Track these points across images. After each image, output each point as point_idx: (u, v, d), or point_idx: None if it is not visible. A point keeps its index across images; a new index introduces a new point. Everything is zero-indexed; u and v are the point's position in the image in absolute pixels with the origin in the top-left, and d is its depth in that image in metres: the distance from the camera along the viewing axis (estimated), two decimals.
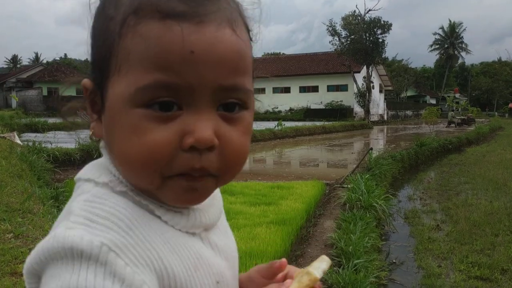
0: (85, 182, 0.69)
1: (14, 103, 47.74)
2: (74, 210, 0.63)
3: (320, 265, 0.72)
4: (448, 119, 42.54)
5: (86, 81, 0.69)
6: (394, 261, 6.07)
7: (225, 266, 0.76)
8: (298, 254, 5.33)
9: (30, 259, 0.61)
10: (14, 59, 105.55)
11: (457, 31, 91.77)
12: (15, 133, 14.99)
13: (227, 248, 0.79)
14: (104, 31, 0.65)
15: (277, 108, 55.52)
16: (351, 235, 5.52)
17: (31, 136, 15.79)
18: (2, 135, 14.51)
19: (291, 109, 54.67)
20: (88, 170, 0.72)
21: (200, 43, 0.61)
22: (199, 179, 0.65)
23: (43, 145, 11.99)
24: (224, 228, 0.83)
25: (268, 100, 56.92)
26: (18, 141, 13.85)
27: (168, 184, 0.65)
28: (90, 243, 0.58)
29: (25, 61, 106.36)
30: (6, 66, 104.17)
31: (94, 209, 0.63)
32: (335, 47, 46.38)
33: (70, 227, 0.60)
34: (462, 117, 42.22)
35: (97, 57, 0.68)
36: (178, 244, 0.67)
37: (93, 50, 0.69)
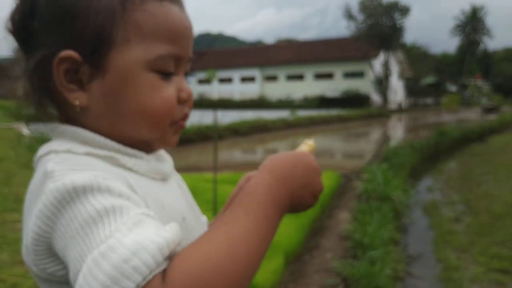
0: (45, 156, 0.77)
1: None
2: (51, 170, 0.71)
3: (308, 141, 0.95)
4: (483, 106, 42.11)
5: (72, 53, 0.76)
6: (411, 253, 6.10)
7: (186, 207, 0.92)
8: (312, 246, 5.38)
9: (33, 230, 0.68)
10: None
11: (478, 15, 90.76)
12: (23, 123, 15.13)
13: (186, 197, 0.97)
14: (97, 8, 0.76)
15: (290, 96, 55.33)
16: (367, 226, 5.56)
17: (38, 126, 15.90)
18: (9, 125, 14.68)
19: (305, 97, 54.47)
20: (43, 149, 0.80)
21: (186, 22, 0.85)
22: (182, 123, 0.88)
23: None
24: (179, 184, 0.98)
25: (280, 88, 56.82)
26: (26, 132, 14.01)
27: (168, 130, 0.85)
28: (87, 178, 0.67)
29: None
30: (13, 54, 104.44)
31: (70, 163, 0.73)
32: (351, 32, 46.10)
33: (58, 178, 0.68)
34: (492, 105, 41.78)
35: (90, 30, 0.76)
36: (146, 186, 0.79)
37: (80, 25, 0.76)
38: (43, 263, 0.70)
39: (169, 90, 0.82)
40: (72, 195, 0.65)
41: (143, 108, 0.80)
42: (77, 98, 0.78)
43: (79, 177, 0.67)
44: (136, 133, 0.82)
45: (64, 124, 0.81)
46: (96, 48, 0.76)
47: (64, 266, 0.68)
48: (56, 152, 0.76)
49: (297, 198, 0.83)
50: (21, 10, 0.79)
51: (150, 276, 0.60)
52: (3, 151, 9.94)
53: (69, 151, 0.76)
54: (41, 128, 0.84)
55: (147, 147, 0.85)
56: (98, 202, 0.65)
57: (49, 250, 0.69)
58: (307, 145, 0.95)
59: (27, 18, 0.78)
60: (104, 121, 0.80)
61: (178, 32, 0.83)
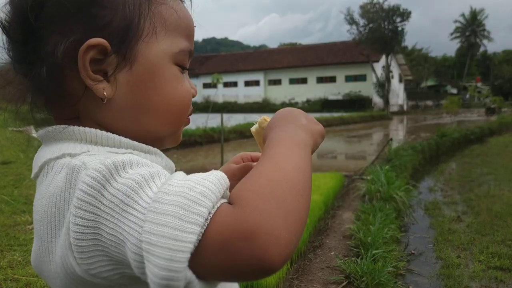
0: (58, 159, 0.72)
1: None
2: (82, 163, 0.67)
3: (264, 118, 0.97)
4: (486, 106, 42.38)
5: (102, 41, 0.72)
6: (413, 251, 6.12)
7: None
8: (317, 245, 5.41)
9: (75, 224, 0.63)
10: None
11: (478, 18, 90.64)
12: (32, 127, 15.22)
13: None
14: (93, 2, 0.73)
15: (293, 99, 55.41)
16: (370, 226, 5.58)
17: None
18: (19, 129, 14.72)
19: (308, 100, 54.49)
20: (50, 152, 0.74)
21: (192, 20, 0.86)
22: (189, 119, 0.89)
23: None
24: None
25: (284, 92, 56.83)
26: (35, 135, 14.07)
27: (182, 125, 0.87)
28: (125, 156, 0.66)
29: None
30: None
31: (100, 156, 0.70)
32: (353, 36, 46.11)
33: (94, 164, 0.65)
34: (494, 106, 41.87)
35: (118, 19, 0.74)
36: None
37: (108, 13, 0.73)
38: (88, 263, 0.64)
39: (187, 84, 0.84)
40: (112, 172, 0.63)
41: (170, 99, 0.80)
42: (105, 89, 0.74)
43: (117, 157, 0.65)
44: (159, 126, 0.80)
45: (70, 124, 0.76)
46: (125, 38, 0.74)
47: (110, 267, 0.64)
48: (72, 155, 0.71)
49: (309, 129, 0.84)
50: None
51: (219, 203, 0.61)
52: (13, 154, 9.99)
53: (85, 153, 0.71)
54: (45, 131, 0.78)
55: (158, 143, 0.82)
56: (142, 169, 0.64)
57: (96, 243, 0.63)
58: (263, 121, 0.96)
59: (37, 5, 0.71)
60: (127, 114, 0.77)
61: (191, 28, 0.84)
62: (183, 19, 0.82)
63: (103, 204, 0.61)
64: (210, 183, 0.61)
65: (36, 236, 0.74)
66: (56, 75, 0.73)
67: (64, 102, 0.77)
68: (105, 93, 0.74)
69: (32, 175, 0.78)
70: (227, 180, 0.65)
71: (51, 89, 0.75)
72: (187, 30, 0.83)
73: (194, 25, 0.86)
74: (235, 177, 0.96)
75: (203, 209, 0.58)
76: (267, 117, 0.95)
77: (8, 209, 6.21)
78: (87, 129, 0.74)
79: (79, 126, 0.75)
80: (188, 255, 0.56)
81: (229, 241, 0.57)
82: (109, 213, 0.61)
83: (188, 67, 0.85)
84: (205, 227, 0.58)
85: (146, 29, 0.76)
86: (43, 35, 0.72)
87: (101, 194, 0.62)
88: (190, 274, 0.57)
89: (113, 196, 0.61)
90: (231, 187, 0.66)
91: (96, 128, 0.75)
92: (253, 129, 1.00)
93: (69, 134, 0.75)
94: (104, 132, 0.74)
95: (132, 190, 0.61)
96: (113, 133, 0.75)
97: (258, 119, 0.98)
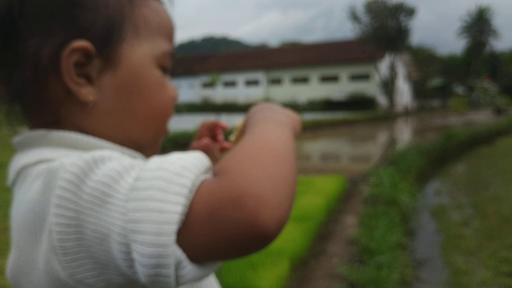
0: (35, 166, 0.70)
1: None
2: (61, 164, 0.64)
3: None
4: (496, 107, 42.51)
5: (86, 44, 0.71)
6: (419, 257, 6.09)
7: None
8: (318, 251, 5.38)
9: (57, 223, 0.60)
10: None
11: (485, 16, 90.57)
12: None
13: None
14: (106, 0, 0.74)
15: (295, 99, 55.38)
16: (374, 231, 5.55)
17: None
18: (13, 130, 14.73)
19: (310, 100, 54.47)
20: (25, 158, 0.72)
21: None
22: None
23: None
24: None
25: (285, 91, 56.82)
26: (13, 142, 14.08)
27: (162, 133, 0.85)
28: (105, 152, 0.64)
29: None
30: None
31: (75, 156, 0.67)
32: (357, 34, 46.08)
33: (74, 159, 0.63)
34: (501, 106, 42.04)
35: (101, 20, 0.73)
36: None
37: (90, 15, 0.72)
38: (73, 265, 0.61)
39: (170, 88, 0.83)
40: (91, 165, 0.61)
41: (153, 104, 0.79)
42: (90, 93, 0.73)
43: (95, 152, 0.64)
44: (141, 133, 0.80)
45: (49, 129, 0.73)
46: (109, 40, 0.74)
47: (96, 271, 0.61)
48: (49, 160, 0.68)
49: (287, 114, 0.84)
50: None
51: (202, 177, 0.60)
52: (7, 157, 9.96)
53: (53, 160, 0.68)
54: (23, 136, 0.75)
55: (138, 153, 0.79)
56: (122, 161, 0.63)
57: (80, 242, 0.60)
58: (240, 125, 0.95)
59: (16, 5, 0.70)
60: (110, 119, 0.76)
61: (172, 29, 0.84)
62: (164, 20, 0.82)
63: (84, 199, 0.59)
64: (190, 158, 0.61)
65: (14, 247, 0.71)
66: (37, 79, 0.71)
67: (44, 106, 0.74)
68: (90, 97, 0.73)
69: (9, 182, 0.75)
70: (207, 158, 0.65)
71: (32, 93, 0.73)
72: (168, 31, 0.83)
73: (173, 26, 0.86)
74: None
75: (186, 180, 0.58)
76: (243, 121, 0.93)
77: (1, 213, 6.17)
78: (67, 134, 0.72)
79: (58, 131, 0.73)
80: (175, 227, 0.55)
81: (217, 209, 0.56)
82: (90, 207, 0.59)
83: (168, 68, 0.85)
84: (190, 199, 0.57)
85: (129, 31, 0.76)
86: (22, 38, 0.71)
87: (81, 189, 0.60)
88: (179, 253, 0.56)
89: (94, 188, 0.59)
90: None
91: (73, 133, 0.73)
92: (232, 137, 0.98)
93: (48, 139, 0.72)
94: (85, 137, 0.72)
95: (113, 179, 0.59)
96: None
97: (233, 133, 0.97)
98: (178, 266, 0.56)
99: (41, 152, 0.71)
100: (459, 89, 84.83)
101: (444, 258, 6.00)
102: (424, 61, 73.53)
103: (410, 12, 44.44)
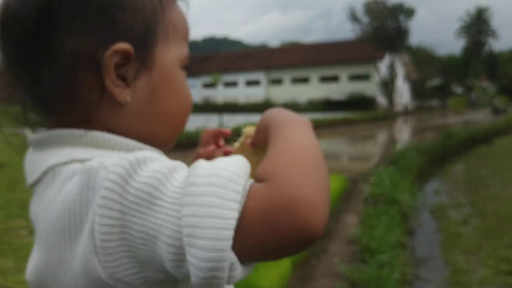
0: (66, 165, 0.69)
1: None
2: (100, 164, 0.64)
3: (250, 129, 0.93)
4: (494, 106, 42.79)
5: (127, 46, 0.72)
6: (419, 256, 6.07)
7: None
8: (319, 251, 5.36)
9: (101, 224, 0.61)
10: None
11: (484, 16, 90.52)
12: (29, 129, 15.25)
13: None
14: (143, 2, 0.74)
15: (295, 99, 55.42)
16: (374, 230, 5.53)
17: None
18: (15, 131, 14.73)
19: (310, 100, 54.48)
20: (56, 157, 0.71)
21: None
22: None
23: None
24: None
25: (285, 91, 56.83)
26: (30, 138, 14.07)
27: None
28: (145, 153, 0.65)
29: None
30: None
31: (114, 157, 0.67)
32: (357, 34, 46.06)
33: (115, 162, 0.64)
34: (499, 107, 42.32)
35: (139, 23, 0.74)
36: None
37: (130, 17, 0.73)
38: (114, 265, 0.62)
39: (190, 89, 0.86)
40: (135, 166, 0.62)
41: (180, 105, 0.82)
42: (127, 95, 0.74)
43: (138, 152, 0.65)
44: (166, 132, 0.82)
45: (75, 128, 0.72)
46: (145, 43, 0.75)
47: (135, 269, 0.63)
48: (82, 161, 0.68)
49: (301, 118, 0.84)
50: None
51: (249, 182, 0.63)
52: (8, 157, 9.95)
53: (88, 160, 0.68)
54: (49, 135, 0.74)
55: (159, 149, 0.78)
56: (164, 162, 0.65)
57: (123, 242, 0.61)
58: (248, 131, 0.94)
59: (55, 3, 0.68)
60: (140, 119, 0.77)
61: (189, 33, 0.86)
62: (185, 24, 0.84)
63: (129, 200, 0.61)
64: (238, 163, 0.63)
65: (41, 247, 0.70)
66: (74, 78, 0.71)
67: (75, 106, 0.73)
68: (128, 99, 0.74)
69: (30, 181, 0.74)
70: (248, 162, 0.66)
71: (66, 93, 0.72)
72: (187, 34, 0.85)
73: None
74: None
75: (238, 186, 0.60)
76: (250, 127, 0.94)
77: (2, 213, 6.17)
78: (104, 134, 0.72)
79: (87, 130, 0.72)
80: (232, 232, 0.58)
81: (270, 214, 0.59)
82: (136, 209, 0.60)
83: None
84: (242, 204, 0.60)
85: (160, 34, 0.77)
86: (60, 37, 0.69)
87: (126, 190, 0.61)
88: (233, 256, 0.58)
89: (139, 190, 0.61)
90: None
91: (106, 133, 0.73)
92: (237, 144, 0.97)
93: (84, 139, 0.72)
94: (117, 137, 0.72)
95: (158, 181, 0.61)
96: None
97: (239, 139, 0.97)
98: (230, 268, 0.58)
99: (72, 151, 0.70)
100: (458, 89, 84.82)
101: (444, 257, 5.99)
102: (423, 61, 73.57)
103: (410, 12, 44.42)
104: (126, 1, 0.72)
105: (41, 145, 0.75)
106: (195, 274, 0.58)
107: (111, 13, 0.71)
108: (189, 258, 0.57)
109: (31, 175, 0.74)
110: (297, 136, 0.73)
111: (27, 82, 0.73)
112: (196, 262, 0.57)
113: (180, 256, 0.59)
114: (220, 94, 59.85)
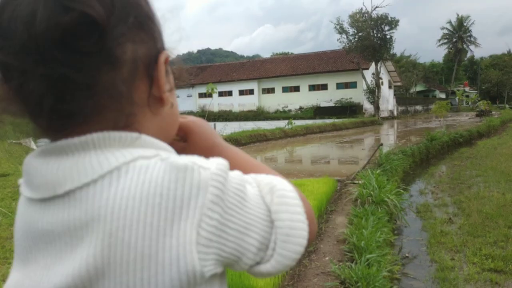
0: (133, 162, 0.66)
1: None
2: (190, 161, 0.67)
3: None
4: (478, 109, 44.52)
5: (170, 55, 0.77)
6: (407, 255, 6.04)
7: None
8: (311, 250, 5.32)
9: (209, 222, 0.65)
10: None
11: (465, 25, 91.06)
12: (31, 139, 15.13)
13: None
14: (156, 14, 0.75)
15: (287, 107, 55.57)
16: (363, 230, 5.50)
17: (46, 142, 15.97)
18: (18, 141, 14.65)
19: (301, 108, 54.61)
20: (122, 156, 0.66)
21: None
22: None
23: None
24: None
25: (278, 100, 56.96)
26: (34, 147, 13.97)
27: None
28: (221, 159, 0.71)
29: None
30: None
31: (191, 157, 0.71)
32: (343, 45, 46.19)
33: (207, 165, 0.68)
34: (484, 109, 43.78)
35: (161, 34, 0.76)
36: None
37: (159, 32, 0.75)
38: (207, 259, 0.64)
39: None
40: (227, 171, 0.69)
41: (177, 112, 0.84)
42: (170, 98, 0.77)
43: (219, 158, 0.71)
44: (172, 135, 0.84)
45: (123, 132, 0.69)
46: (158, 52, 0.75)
47: (216, 263, 0.67)
48: (147, 158, 0.66)
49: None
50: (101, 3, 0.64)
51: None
52: (12, 167, 9.90)
53: (158, 156, 0.67)
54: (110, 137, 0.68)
55: None
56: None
57: (219, 240, 0.66)
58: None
59: (117, 12, 0.65)
60: (164, 125, 0.79)
61: None
62: None
63: (229, 201, 0.66)
64: (290, 185, 0.76)
65: (97, 248, 0.62)
66: (132, 83, 0.69)
67: (122, 109, 0.69)
68: (175, 102, 0.80)
69: (67, 188, 0.65)
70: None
71: (122, 96, 0.68)
72: None
73: None
74: None
75: (300, 201, 0.74)
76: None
77: (5, 222, 6.11)
78: (148, 136, 0.71)
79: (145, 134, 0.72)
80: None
81: (311, 222, 0.75)
82: (234, 209, 0.67)
83: None
84: None
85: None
86: (119, 43, 0.66)
87: (226, 191, 0.66)
88: None
89: (234, 191, 0.67)
90: None
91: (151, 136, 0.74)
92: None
93: (140, 141, 0.70)
94: (159, 140, 0.73)
95: (243, 185, 0.70)
96: None
97: None
98: None
99: (133, 151, 0.67)
100: (441, 94, 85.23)
101: (431, 255, 5.96)
102: (407, 68, 73.93)
103: (393, 23, 44.49)
104: (152, 13, 0.74)
105: (74, 149, 0.67)
106: (281, 263, 0.70)
107: (151, 24, 0.73)
108: (281, 251, 0.70)
109: (79, 177, 0.65)
110: (252, 160, 0.88)
111: (72, 87, 0.64)
112: (289, 255, 0.70)
113: (263, 248, 0.70)
114: (216, 103, 59.83)
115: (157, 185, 0.63)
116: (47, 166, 0.67)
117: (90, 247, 0.62)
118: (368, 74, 47.04)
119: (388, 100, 54.93)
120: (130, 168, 0.65)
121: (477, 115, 42.50)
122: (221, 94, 60.64)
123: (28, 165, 0.71)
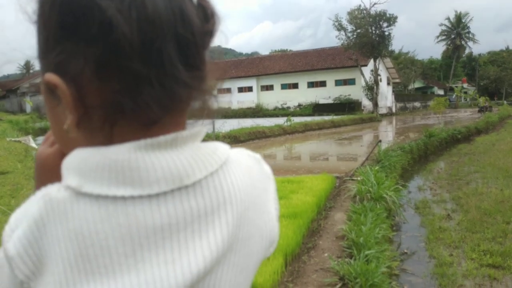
0: (230, 151, 0.78)
1: (28, 108, 48.46)
2: (256, 156, 0.84)
3: None
4: (480, 105, 45.67)
5: None
6: (405, 251, 6.05)
7: None
8: (310, 247, 5.32)
9: (276, 207, 0.84)
10: (27, 65, 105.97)
11: (463, 21, 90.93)
12: (30, 137, 15.14)
13: None
14: None
15: (285, 104, 55.49)
16: (362, 226, 5.50)
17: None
18: (17, 139, 14.64)
19: (299, 105, 54.53)
20: (224, 149, 0.74)
21: None
22: None
23: None
24: None
25: (276, 97, 56.87)
26: (33, 145, 13.98)
27: None
28: None
29: (37, 66, 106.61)
30: (20, 72, 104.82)
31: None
32: (342, 41, 46.11)
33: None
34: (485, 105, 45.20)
35: None
36: None
37: None
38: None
39: None
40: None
41: None
42: None
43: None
44: None
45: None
46: None
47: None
48: (228, 150, 0.76)
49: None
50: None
51: None
52: (11, 164, 9.88)
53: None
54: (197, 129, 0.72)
55: None
56: None
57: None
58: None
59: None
60: None
61: None
62: None
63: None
64: None
65: (230, 226, 0.68)
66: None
67: (188, 107, 0.72)
68: None
69: (213, 169, 0.68)
70: None
71: (198, 94, 0.74)
72: None
73: None
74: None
75: None
76: None
77: (4, 219, 6.09)
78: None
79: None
80: None
81: None
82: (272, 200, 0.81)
83: None
84: None
85: None
86: (205, 48, 0.74)
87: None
88: None
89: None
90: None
91: None
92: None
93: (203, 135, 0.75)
94: None
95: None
96: None
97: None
98: None
99: (214, 144, 0.74)
100: (439, 91, 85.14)
101: (429, 251, 5.97)
102: (405, 65, 73.78)
103: (392, 20, 44.39)
104: None
105: (186, 141, 0.68)
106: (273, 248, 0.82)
107: None
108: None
109: (191, 174, 0.66)
110: None
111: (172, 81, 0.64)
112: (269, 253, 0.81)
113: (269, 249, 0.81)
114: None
115: (251, 172, 0.76)
116: (167, 159, 0.65)
117: (222, 229, 0.67)
118: (367, 71, 46.95)
119: (386, 96, 54.87)
120: (229, 158, 0.73)
121: (479, 111, 43.36)
122: (219, 91, 60.59)
123: (132, 161, 0.62)
